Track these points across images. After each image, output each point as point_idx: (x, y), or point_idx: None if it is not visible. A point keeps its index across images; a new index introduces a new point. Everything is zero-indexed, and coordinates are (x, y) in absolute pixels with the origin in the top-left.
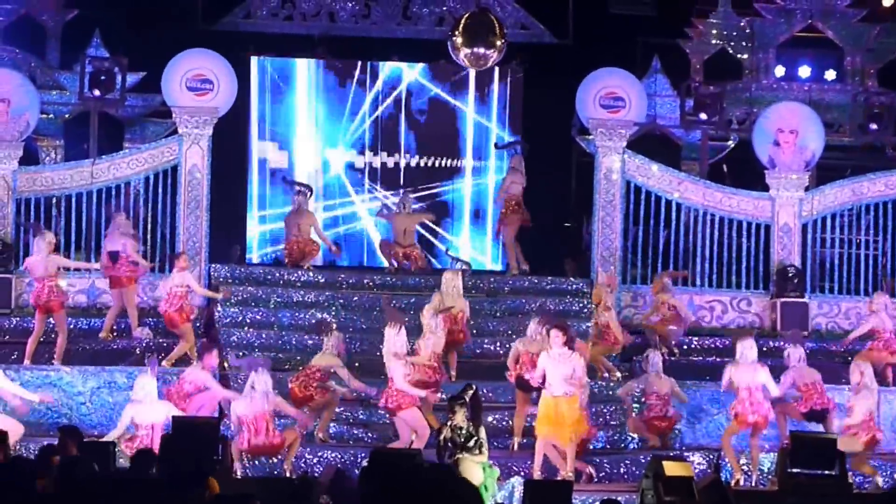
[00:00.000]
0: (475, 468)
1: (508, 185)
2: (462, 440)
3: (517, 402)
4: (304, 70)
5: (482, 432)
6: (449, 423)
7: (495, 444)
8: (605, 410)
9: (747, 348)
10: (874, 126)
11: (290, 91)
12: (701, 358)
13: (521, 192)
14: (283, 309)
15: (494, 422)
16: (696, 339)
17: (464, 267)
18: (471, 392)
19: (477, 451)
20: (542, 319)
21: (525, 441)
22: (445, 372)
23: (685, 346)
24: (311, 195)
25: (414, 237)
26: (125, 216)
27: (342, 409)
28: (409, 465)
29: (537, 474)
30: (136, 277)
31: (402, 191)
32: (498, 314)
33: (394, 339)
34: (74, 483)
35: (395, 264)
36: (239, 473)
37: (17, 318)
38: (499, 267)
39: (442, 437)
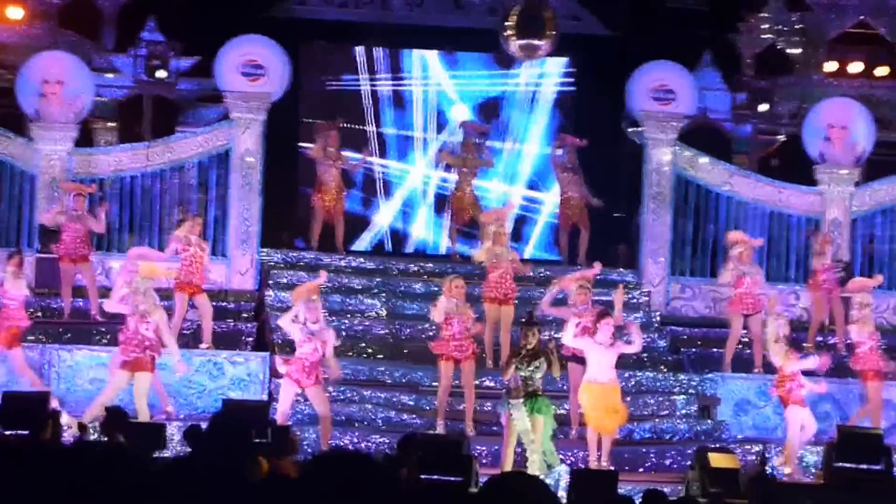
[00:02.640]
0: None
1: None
2: (529, 361)
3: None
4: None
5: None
6: (523, 346)
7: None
8: (651, 402)
9: None
10: None
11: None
12: (749, 350)
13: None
14: (333, 294)
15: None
16: (744, 331)
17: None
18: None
19: (539, 377)
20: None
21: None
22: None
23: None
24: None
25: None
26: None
27: (390, 394)
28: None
29: (594, 464)
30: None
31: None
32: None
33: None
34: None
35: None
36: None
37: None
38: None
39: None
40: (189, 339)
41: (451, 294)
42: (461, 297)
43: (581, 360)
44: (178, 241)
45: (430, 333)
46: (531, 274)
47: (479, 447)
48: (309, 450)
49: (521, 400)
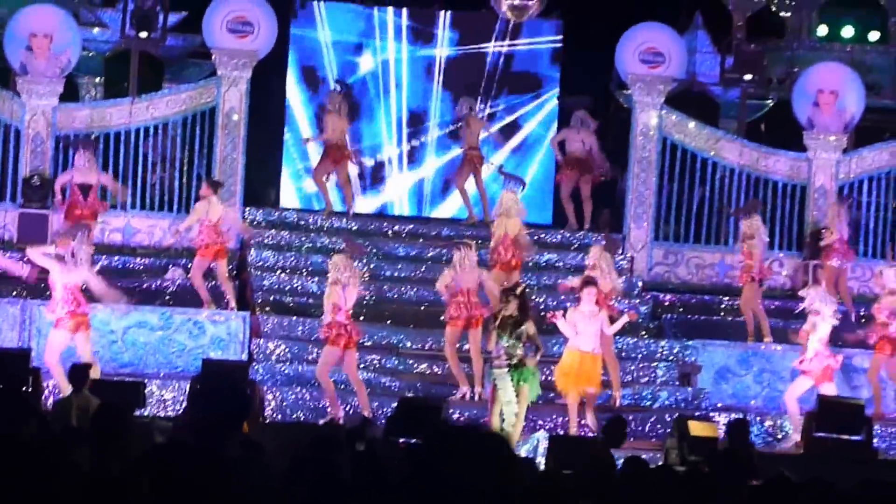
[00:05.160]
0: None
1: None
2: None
3: None
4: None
5: (531, 326)
6: (501, 312)
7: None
8: (631, 368)
9: None
10: None
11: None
12: (731, 318)
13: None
14: (315, 254)
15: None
16: (727, 298)
17: (519, 187)
18: (522, 286)
19: (520, 346)
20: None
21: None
22: None
23: (714, 306)
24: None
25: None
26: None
27: (373, 356)
28: (435, 417)
29: (574, 430)
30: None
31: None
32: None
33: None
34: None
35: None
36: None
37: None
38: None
39: (493, 326)
40: (173, 301)
41: (457, 262)
42: (468, 264)
43: None
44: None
45: (412, 297)
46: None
47: (458, 412)
48: (293, 413)
49: (506, 370)
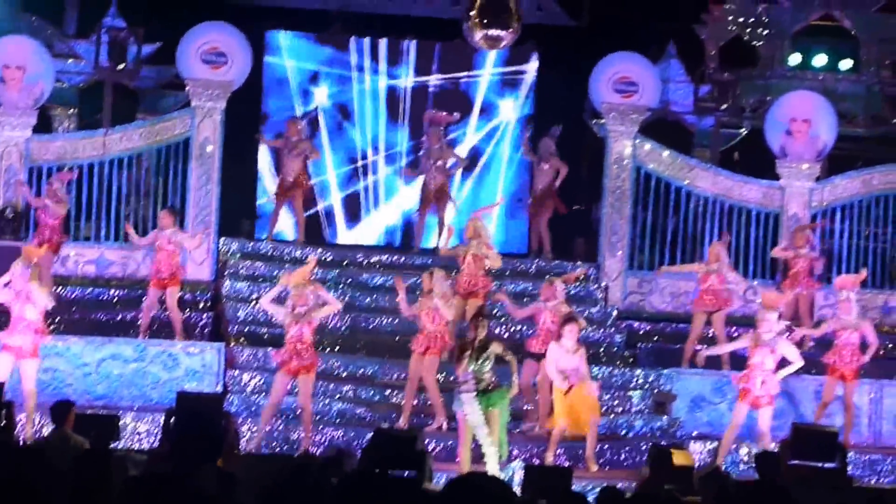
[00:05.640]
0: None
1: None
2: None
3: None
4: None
5: (496, 346)
6: (469, 338)
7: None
8: (606, 397)
9: None
10: None
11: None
12: (703, 346)
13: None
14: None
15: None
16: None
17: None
18: (482, 308)
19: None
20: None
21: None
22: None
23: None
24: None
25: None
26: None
27: (348, 387)
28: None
29: (550, 460)
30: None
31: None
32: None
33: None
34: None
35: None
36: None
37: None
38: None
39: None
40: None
41: (426, 289)
42: (434, 291)
43: (536, 357)
44: (147, 241)
45: (388, 327)
46: (500, 266)
47: (434, 443)
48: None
49: (473, 394)
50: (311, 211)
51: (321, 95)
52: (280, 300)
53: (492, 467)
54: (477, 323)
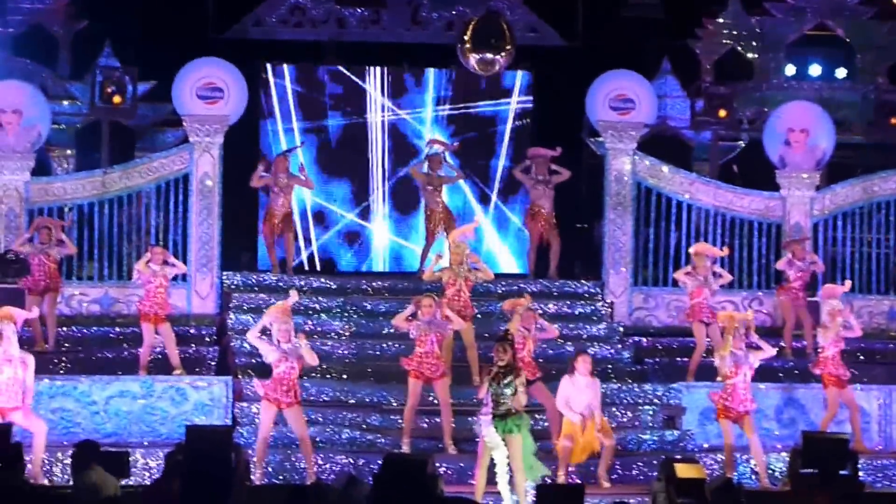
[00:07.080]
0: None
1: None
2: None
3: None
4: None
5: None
6: (496, 362)
7: None
8: (616, 413)
9: None
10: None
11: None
12: (713, 358)
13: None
14: (295, 315)
15: None
16: (708, 339)
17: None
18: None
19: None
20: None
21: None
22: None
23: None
24: None
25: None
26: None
27: (355, 414)
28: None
29: (562, 478)
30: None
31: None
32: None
33: None
34: None
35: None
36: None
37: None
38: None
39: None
40: (153, 368)
41: (422, 313)
42: (431, 315)
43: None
44: (140, 274)
45: (394, 351)
46: (492, 277)
47: (445, 465)
48: (278, 475)
49: (490, 417)
50: (319, 240)
51: (319, 127)
52: (266, 332)
53: (503, 489)
54: (499, 346)
